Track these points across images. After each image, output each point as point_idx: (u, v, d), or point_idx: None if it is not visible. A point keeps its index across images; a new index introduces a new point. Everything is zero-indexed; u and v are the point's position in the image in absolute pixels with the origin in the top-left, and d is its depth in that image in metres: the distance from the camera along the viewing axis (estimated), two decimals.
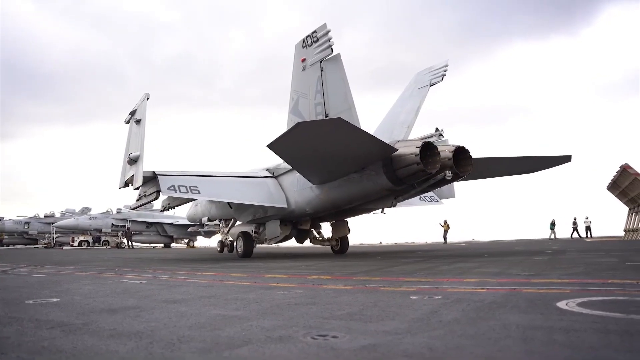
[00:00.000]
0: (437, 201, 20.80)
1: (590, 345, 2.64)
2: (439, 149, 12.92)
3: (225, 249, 22.08)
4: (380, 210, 16.92)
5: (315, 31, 14.28)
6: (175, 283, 7.10)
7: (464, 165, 13.21)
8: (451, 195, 20.99)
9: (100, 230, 53.68)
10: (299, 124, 10.98)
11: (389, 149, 12.62)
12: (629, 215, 45.96)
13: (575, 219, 44.65)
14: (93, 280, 7.80)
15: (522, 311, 3.76)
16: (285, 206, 16.21)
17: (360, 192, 14.11)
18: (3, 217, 61.50)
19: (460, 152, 13.19)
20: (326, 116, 13.98)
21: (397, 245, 37.08)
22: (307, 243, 19.74)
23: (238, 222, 19.81)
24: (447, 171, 12.74)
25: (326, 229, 19.17)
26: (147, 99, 15.47)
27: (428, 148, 12.61)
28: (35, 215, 61.03)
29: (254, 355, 2.61)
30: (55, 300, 5.08)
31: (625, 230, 45.81)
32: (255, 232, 18.20)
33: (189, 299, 5.05)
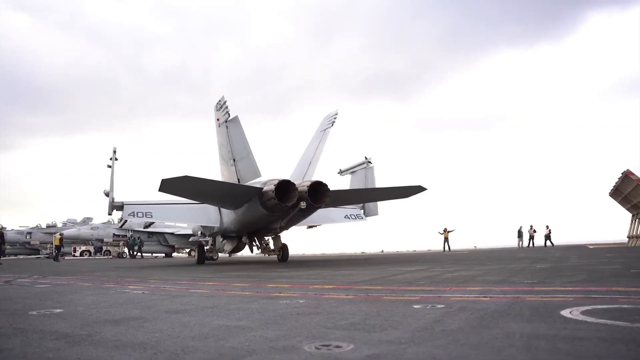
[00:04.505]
0: (362, 219, 25.08)
1: (595, 354, 2.63)
2: (298, 184, 16.90)
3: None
4: (278, 229, 21.00)
5: (220, 100, 20.30)
6: (177, 293, 7.09)
7: (325, 196, 16.79)
8: (375, 213, 25.61)
9: (101, 240, 53.67)
10: (162, 181, 15.01)
11: (254, 189, 17.33)
12: (632, 221, 45.79)
13: (531, 226, 43.82)
14: (96, 291, 7.80)
15: (526, 320, 3.75)
16: (219, 225, 21.31)
17: (253, 217, 18.58)
18: (5, 227, 61.44)
19: (320, 185, 16.81)
20: (234, 160, 19.22)
21: (398, 254, 36.96)
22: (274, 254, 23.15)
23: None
24: (302, 202, 16.49)
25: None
26: (115, 152, 21.61)
27: (288, 184, 16.57)
28: (37, 226, 61.01)
29: None
30: (58, 311, 5.08)
31: (628, 237, 45.61)
32: (211, 245, 23.45)
33: (192, 309, 5.05)
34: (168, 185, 15.47)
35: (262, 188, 17.03)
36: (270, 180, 17.41)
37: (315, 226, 26.00)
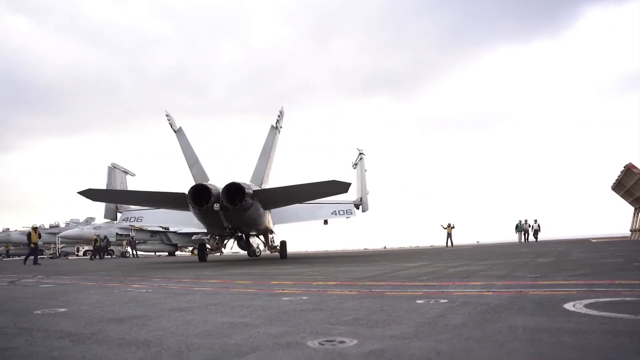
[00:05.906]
0: (352, 214, 25.37)
1: (598, 347, 2.63)
2: (214, 187, 17.51)
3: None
4: (228, 230, 21.39)
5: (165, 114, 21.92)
6: (181, 291, 7.11)
7: (243, 197, 17.15)
8: (366, 209, 25.82)
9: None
10: (77, 192, 17.55)
11: (179, 194, 18.20)
12: (634, 215, 45.65)
13: (526, 220, 43.11)
14: (99, 290, 7.82)
15: (529, 313, 3.75)
16: (202, 226, 22.17)
17: (200, 219, 19.68)
18: (9, 228, 61.64)
19: (235, 186, 17.19)
20: (189, 166, 20.25)
21: (401, 250, 36.98)
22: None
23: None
24: (216, 204, 17.07)
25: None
26: (114, 167, 24.13)
27: (202, 188, 17.29)
28: (40, 226, 61.08)
29: None
30: (63, 310, 5.10)
31: (631, 230, 45.48)
32: (216, 243, 24.44)
33: (196, 307, 5.06)
34: (86, 195, 17.77)
35: (185, 193, 18.03)
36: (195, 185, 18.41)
37: (327, 221, 26.38)
